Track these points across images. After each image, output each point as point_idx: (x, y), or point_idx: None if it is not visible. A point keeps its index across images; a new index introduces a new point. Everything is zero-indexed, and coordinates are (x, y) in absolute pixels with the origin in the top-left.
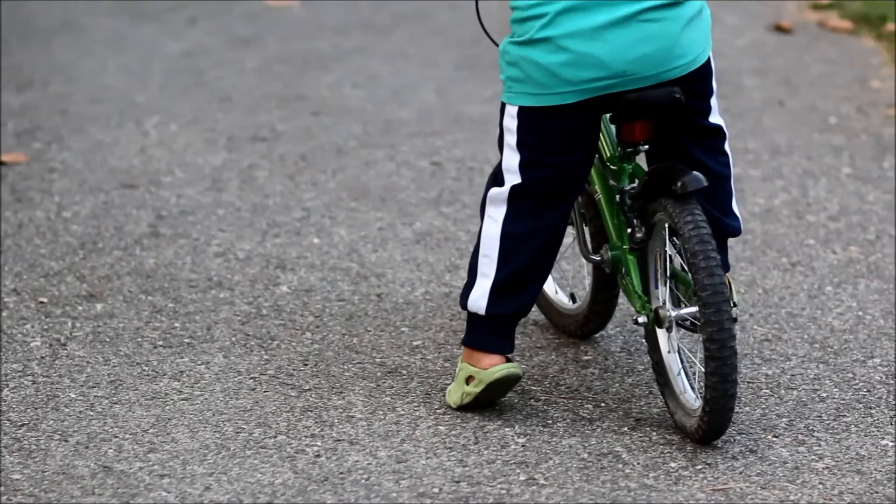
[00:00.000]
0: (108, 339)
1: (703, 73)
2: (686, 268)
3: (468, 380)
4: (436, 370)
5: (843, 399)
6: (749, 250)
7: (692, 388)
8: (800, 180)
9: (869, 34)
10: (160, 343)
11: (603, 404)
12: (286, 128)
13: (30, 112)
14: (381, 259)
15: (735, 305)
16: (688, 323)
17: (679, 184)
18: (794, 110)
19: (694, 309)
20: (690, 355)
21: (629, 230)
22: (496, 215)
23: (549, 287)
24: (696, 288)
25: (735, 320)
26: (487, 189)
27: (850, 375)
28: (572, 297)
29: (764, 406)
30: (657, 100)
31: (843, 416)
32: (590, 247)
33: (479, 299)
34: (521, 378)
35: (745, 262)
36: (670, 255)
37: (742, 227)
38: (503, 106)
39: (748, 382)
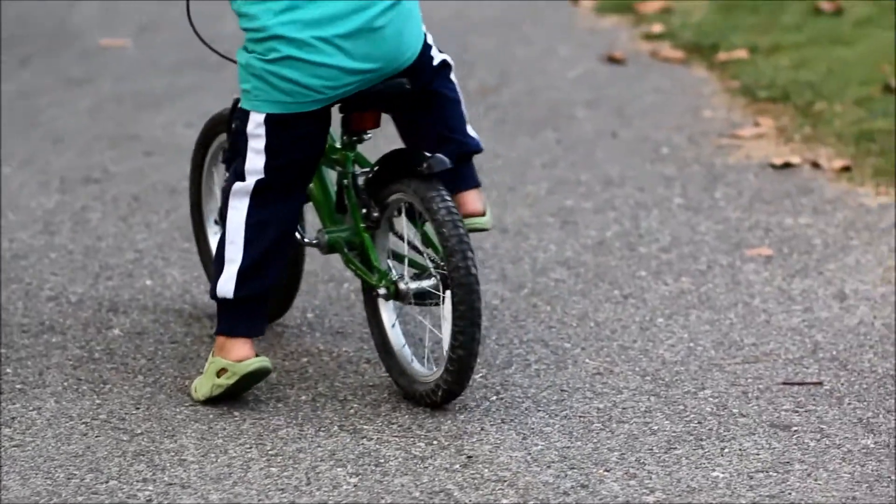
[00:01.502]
0: None
1: (423, 49)
2: (435, 237)
3: (220, 372)
4: (268, 411)
5: (674, 431)
6: (581, 283)
7: (418, 358)
8: (632, 211)
9: (701, 64)
10: None
11: (435, 442)
12: (119, 168)
13: None
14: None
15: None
16: (423, 295)
17: (425, 165)
18: (626, 141)
19: (431, 281)
20: (427, 324)
21: (364, 210)
22: (240, 206)
23: None
24: (447, 254)
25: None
26: (230, 184)
27: (682, 407)
28: None
29: (595, 440)
30: (388, 91)
31: (674, 448)
32: (304, 232)
33: (226, 283)
34: (272, 371)
35: (577, 296)
36: (408, 233)
37: (482, 146)
38: (244, 112)
39: (580, 416)
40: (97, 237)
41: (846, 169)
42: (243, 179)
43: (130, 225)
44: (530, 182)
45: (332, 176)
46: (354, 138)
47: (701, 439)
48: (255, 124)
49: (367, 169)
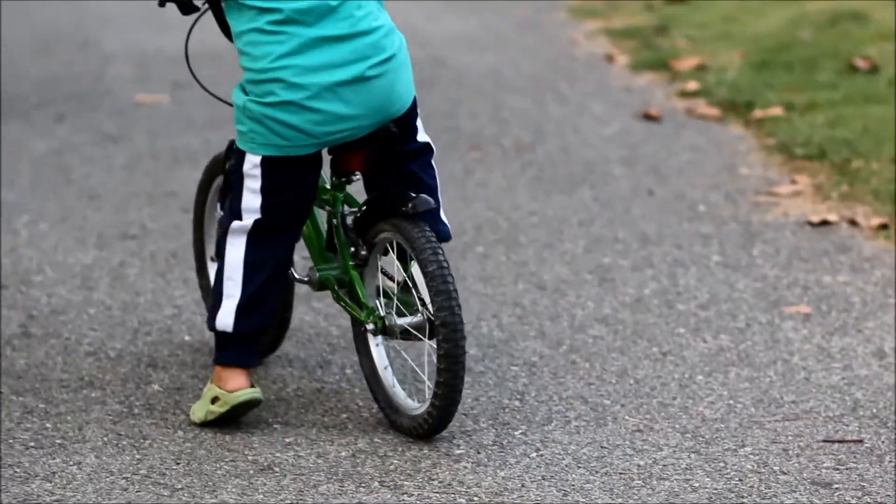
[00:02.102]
0: None
1: (412, 104)
2: (420, 277)
3: (214, 399)
4: (308, 466)
5: (715, 489)
6: (620, 340)
7: (408, 394)
8: (670, 269)
9: (736, 121)
10: (31, 444)
11: (476, 498)
12: (156, 225)
13: None
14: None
15: None
16: (410, 331)
17: (410, 205)
18: (663, 198)
19: (416, 318)
20: (413, 364)
21: (352, 249)
22: (238, 244)
23: None
24: (432, 293)
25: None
26: (228, 221)
27: (722, 465)
28: None
29: (636, 497)
30: (375, 133)
31: None
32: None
33: (226, 318)
34: (262, 402)
35: (616, 353)
36: (392, 271)
37: (451, 234)
38: (240, 152)
39: (620, 473)
40: (135, 293)
41: (884, 227)
42: (240, 218)
43: (168, 281)
44: (567, 239)
45: (322, 215)
46: (343, 179)
47: (742, 497)
48: (251, 165)
49: (356, 209)
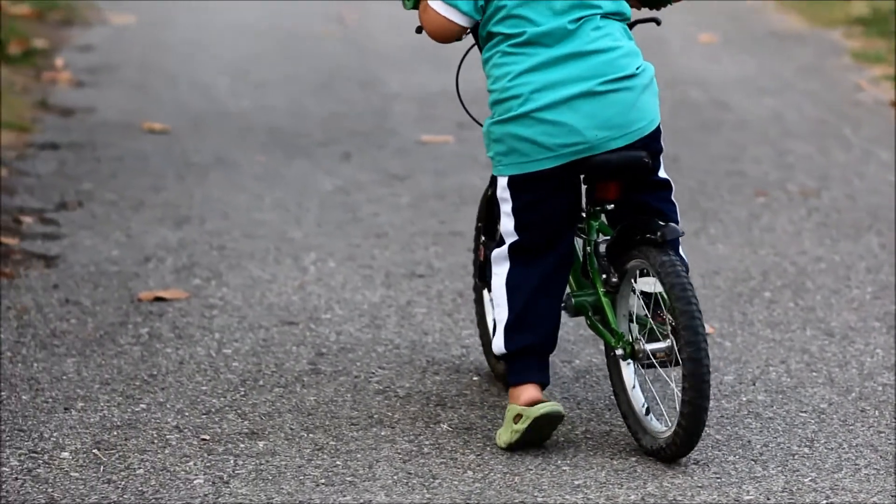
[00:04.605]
0: (270, 477)
1: (656, 134)
2: (664, 303)
3: (516, 418)
4: None
5: None
6: None
7: (656, 416)
8: None
9: None
10: (322, 481)
11: None
12: (442, 264)
13: (188, 248)
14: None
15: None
16: (656, 356)
17: (659, 234)
18: None
19: (665, 344)
20: (667, 378)
21: (604, 276)
22: (501, 271)
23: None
24: (676, 315)
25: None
26: (491, 250)
27: None
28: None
29: None
30: (629, 163)
31: None
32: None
33: (498, 340)
34: (564, 417)
35: None
36: (641, 297)
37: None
38: (494, 179)
39: None
40: (423, 332)
41: None
42: (502, 244)
43: (456, 321)
44: (855, 286)
45: (578, 243)
46: (598, 208)
47: None
48: (502, 188)
49: (608, 237)
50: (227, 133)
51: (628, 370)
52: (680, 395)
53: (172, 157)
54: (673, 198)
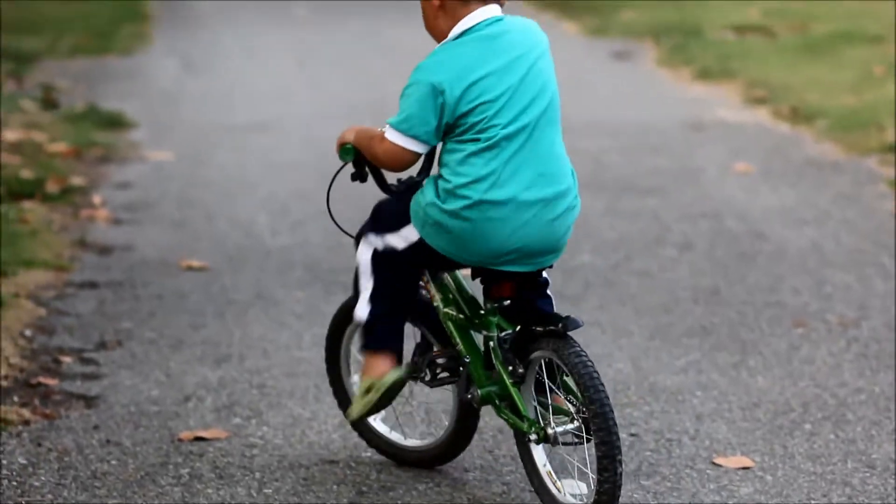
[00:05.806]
0: None
1: None
2: (575, 387)
3: (367, 390)
4: None
5: None
6: None
7: (570, 494)
8: None
9: None
10: None
11: None
12: None
13: (228, 386)
14: None
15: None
16: (569, 437)
17: (560, 325)
18: None
19: (574, 425)
20: (582, 466)
21: (510, 367)
22: (367, 250)
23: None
24: (587, 402)
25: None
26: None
27: None
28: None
29: None
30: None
31: None
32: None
33: (362, 309)
34: (406, 381)
35: None
36: (549, 383)
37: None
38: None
39: None
40: (464, 469)
41: None
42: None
43: (497, 457)
44: None
45: (478, 338)
46: (496, 305)
47: None
48: (404, 238)
49: (510, 331)
50: (267, 270)
51: (538, 451)
52: (595, 476)
53: (211, 294)
54: (549, 292)
